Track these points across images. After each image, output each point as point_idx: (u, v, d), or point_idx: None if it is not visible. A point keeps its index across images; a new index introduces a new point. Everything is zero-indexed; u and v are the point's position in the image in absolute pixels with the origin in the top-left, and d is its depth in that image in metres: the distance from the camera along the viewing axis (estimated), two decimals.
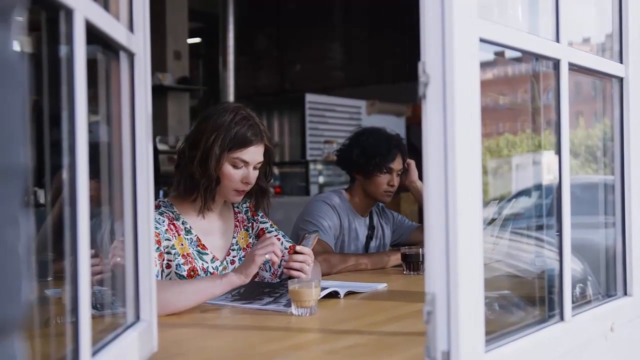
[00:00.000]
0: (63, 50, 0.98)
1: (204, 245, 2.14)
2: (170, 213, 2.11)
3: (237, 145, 2.07)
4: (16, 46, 0.51)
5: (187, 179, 2.11)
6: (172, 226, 2.08)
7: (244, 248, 2.25)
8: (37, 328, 1.08)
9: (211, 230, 2.18)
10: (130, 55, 1.30)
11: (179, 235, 2.09)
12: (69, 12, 0.96)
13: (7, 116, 0.48)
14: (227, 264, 2.19)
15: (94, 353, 1.05)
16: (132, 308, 1.32)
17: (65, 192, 0.97)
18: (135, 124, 1.31)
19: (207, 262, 2.12)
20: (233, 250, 2.22)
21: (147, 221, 1.34)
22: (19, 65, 0.51)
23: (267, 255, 1.90)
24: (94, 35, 1.07)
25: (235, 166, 2.10)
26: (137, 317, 1.32)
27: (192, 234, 2.12)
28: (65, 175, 0.98)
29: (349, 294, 2.09)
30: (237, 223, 2.27)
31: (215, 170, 2.07)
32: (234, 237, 2.24)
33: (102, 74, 1.28)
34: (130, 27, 1.31)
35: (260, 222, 2.32)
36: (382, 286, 2.27)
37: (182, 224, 2.12)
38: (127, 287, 1.32)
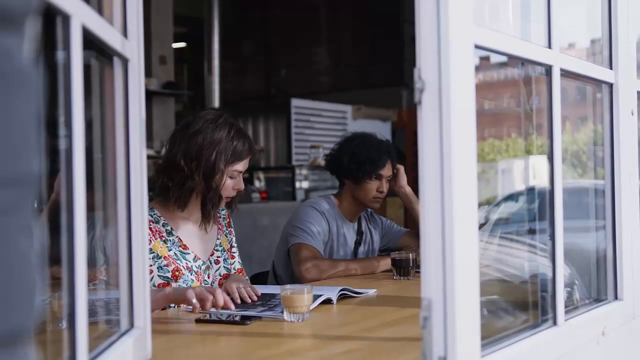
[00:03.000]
0: (59, 55, 0.97)
1: (185, 245, 2.20)
2: (149, 216, 2.14)
3: (237, 158, 2.19)
4: (28, 54, 0.51)
5: (186, 192, 2.15)
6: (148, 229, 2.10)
7: (227, 250, 2.35)
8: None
9: (194, 232, 2.25)
10: (125, 61, 1.30)
11: (159, 237, 2.15)
12: (66, 18, 0.95)
13: (21, 124, 0.47)
14: (210, 263, 2.27)
15: None
16: (126, 315, 1.31)
17: (62, 198, 0.97)
18: (129, 130, 1.31)
19: (190, 261, 2.19)
20: (217, 250, 2.31)
21: (141, 228, 1.33)
22: (32, 73, 0.50)
23: (194, 300, 1.83)
24: (89, 41, 1.07)
25: (232, 177, 2.20)
26: (131, 324, 1.32)
27: (174, 235, 2.19)
28: (60, 181, 0.97)
29: (342, 297, 2.09)
30: (220, 226, 2.36)
31: (220, 184, 2.16)
32: (218, 239, 2.33)
33: (95, 79, 1.27)
34: (124, 33, 1.30)
35: (233, 235, 2.42)
36: (372, 292, 2.27)
37: (163, 226, 2.19)
38: (121, 294, 1.31)
